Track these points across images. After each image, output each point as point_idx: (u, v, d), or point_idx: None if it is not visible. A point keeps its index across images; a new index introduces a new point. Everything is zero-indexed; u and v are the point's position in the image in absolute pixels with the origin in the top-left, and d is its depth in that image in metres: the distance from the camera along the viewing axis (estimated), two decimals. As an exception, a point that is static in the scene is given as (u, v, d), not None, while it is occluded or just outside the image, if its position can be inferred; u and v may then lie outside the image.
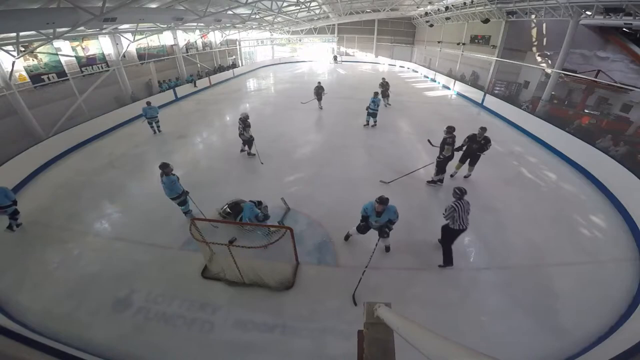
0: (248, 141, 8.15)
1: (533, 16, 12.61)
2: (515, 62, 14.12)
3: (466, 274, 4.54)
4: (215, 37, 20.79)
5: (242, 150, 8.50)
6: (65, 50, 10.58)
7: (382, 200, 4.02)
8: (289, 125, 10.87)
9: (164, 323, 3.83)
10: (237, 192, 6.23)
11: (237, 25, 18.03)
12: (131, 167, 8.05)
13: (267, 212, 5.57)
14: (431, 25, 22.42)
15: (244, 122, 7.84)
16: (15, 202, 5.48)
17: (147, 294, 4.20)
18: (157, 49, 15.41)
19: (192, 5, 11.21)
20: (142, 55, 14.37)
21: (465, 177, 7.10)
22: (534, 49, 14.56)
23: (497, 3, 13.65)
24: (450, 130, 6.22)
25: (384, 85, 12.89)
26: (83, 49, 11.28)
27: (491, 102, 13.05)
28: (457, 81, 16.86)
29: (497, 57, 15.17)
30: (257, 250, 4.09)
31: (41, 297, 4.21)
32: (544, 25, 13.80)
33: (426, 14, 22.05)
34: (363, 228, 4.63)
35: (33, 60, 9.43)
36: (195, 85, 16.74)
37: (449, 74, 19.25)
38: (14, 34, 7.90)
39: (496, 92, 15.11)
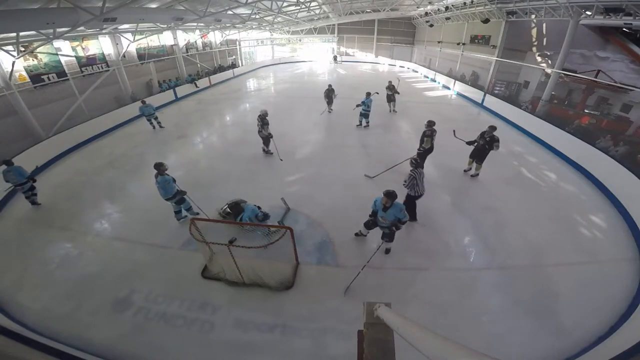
0: (266, 139, 8.11)
1: (533, 16, 12.60)
2: (515, 62, 14.12)
3: (466, 274, 4.54)
4: (215, 37, 20.79)
5: (264, 150, 8.42)
6: (65, 50, 10.58)
7: (388, 193, 4.03)
8: (289, 126, 10.86)
9: (164, 323, 3.83)
10: (237, 192, 6.22)
11: (237, 25, 18.03)
12: (131, 167, 8.05)
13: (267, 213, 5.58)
14: (431, 25, 22.41)
15: (262, 120, 7.77)
16: (30, 179, 6.05)
17: (147, 294, 4.20)
18: (157, 49, 15.40)
19: (192, 5, 11.21)
20: (142, 55, 14.37)
21: (472, 175, 7.14)
22: (534, 49, 14.55)
23: (497, 3, 13.64)
24: (430, 124, 6.62)
25: (391, 89, 11.99)
26: (83, 49, 11.28)
27: (491, 102, 13.05)
28: (457, 81, 16.86)
29: (497, 57, 15.16)
30: (257, 250, 4.08)
31: (41, 297, 4.22)
32: (544, 25, 13.79)
33: (426, 14, 22.05)
34: (370, 223, 4.67)
35: (33, 60, 9.43)
36: (196, 86, 16.75)
37: (449, 74, 19.24)
38: (14, 34, 7.90)
39: (496, 92, 15.10)
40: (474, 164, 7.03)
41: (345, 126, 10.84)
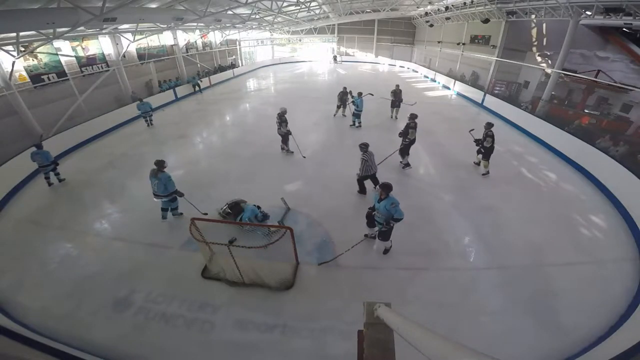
0: (284, 137, 8.14)
1: (533, 16, 12.60)
2: (515, 62, 14.11)
3: (466, 274, 4.54)
4: (215, 37, 20.77)
5: (282, 149, 8.48)
6: (65, 50, 10.57)
7: (383, 185, 4.04)
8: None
9: (164, 323, 3.83)
10: (237, 192, 6.22)
11: (237, 25, 18.01)
12: (131, 167, 8.04)
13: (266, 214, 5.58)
14: (431, 25, 22.41)
15: (281, 118, 7.82)
16: (52, 162, 6.94)
17: (147, 294, 4.20)
18: (157, 49, 15.40)
19: (192, 5, 11.21)
20: (142, 55, 14.36)
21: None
22: (534, 49, 14.54)
23: (497, 3, 13.64)
24: (412, 117, 7.10)
25: (396, 95, 11.40)
26: (83, 49, 11.27)
27: (491, 102, 13.05)
28: (457, 81, 16.86)
29: (497, 57, 15.16)
30: (257, 250, 4.09)
31: (41, 297, 4.21)
32: (544, 25, 13.77)
33: (426, 14, 22.04)
34: (370, 217, 4.71)
35: (33, 60, 9.43)
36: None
37: (449, 74, 19.24)
38: (14, 34, 7.90)
39: (496, 92, 15.10)
40: (482, 162, 7.22)
41: (345, 126, 10.86)
